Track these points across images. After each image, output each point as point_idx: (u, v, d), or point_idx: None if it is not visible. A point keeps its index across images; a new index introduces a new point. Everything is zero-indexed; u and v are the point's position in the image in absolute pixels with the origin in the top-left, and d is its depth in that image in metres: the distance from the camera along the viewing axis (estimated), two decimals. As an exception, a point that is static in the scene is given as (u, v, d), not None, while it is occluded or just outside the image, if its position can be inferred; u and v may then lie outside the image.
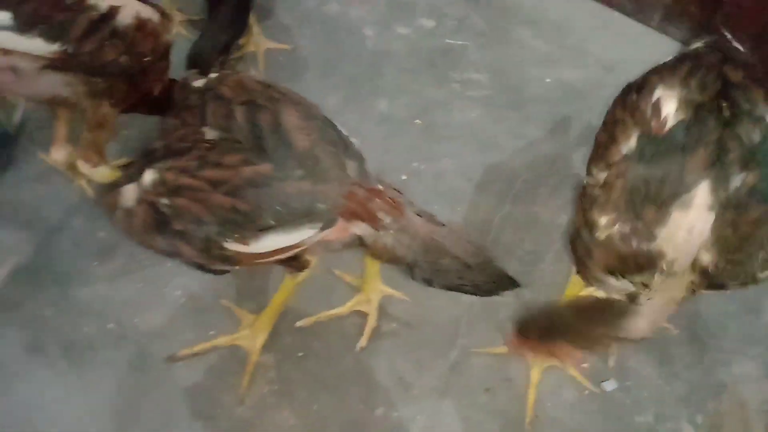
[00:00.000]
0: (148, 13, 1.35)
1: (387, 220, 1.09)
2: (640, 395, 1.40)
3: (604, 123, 1.15)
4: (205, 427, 1.30)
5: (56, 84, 1.30)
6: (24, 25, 1.19)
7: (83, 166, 1.46)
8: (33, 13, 1.20)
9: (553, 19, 2.20)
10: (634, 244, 0.98)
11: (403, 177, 1.74)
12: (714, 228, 0.96)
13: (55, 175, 1.63)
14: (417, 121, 1.87)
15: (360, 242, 1.12)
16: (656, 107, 1.04)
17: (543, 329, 1.14)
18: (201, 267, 1.10)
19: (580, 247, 1.06)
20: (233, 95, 1.08)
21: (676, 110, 1.03)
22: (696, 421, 1.37)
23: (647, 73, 1.14)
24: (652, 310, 1.04)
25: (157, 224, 1.03)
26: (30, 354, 1.38)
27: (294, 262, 1.22)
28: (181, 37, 1.92)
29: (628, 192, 1.00)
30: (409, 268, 1.12)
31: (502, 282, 1.15)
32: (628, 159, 1.03)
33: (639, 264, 0.99)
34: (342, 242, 1.13)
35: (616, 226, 1.00)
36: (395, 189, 1.16)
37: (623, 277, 1.02)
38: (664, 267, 0.98)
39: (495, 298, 1.50)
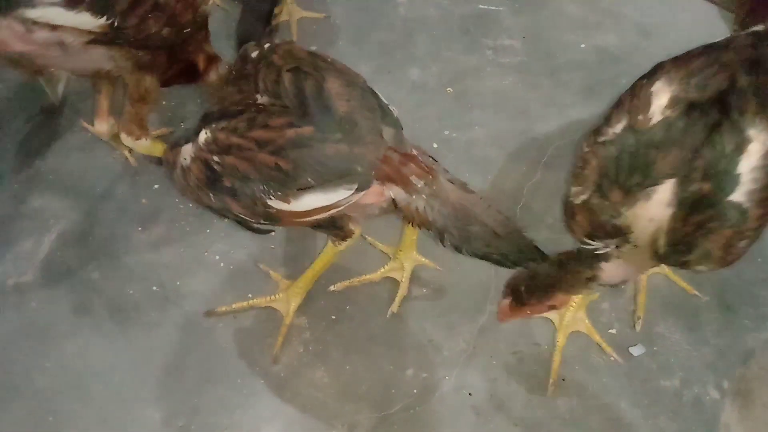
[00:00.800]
0: None
1: (419, 184, 1.12)
2: (666, 360, 1.41)
3: (614, 101, 1.17)
4: (243, 385, 1.37)
5: (101, 58, 1.34)
6: (72, 1, 1.22)
7: (125, 139, 1.51)
8: None
9: (588, -18, 2.16)
10: (603, 216, 1.07)
11: (435, 145, 1.76)
12: (669, 220, 1.02)
13: (98, 145, 1.70)
14: (448, 89, 1.88)
15: (394, 206, 1.14)
16: (647, 100, 1.06)
17: (529, 287, 1.21)
18: (247, 225, 1.17)
19: (568, 208, 1.14)
20: (282, 63, 1.14)
21: (665, 107, 1.04)
22: (722, 387, 1.38)
23: (666, 61, 1.15)
24: (621, 263, 1.13)
25: (209, 181, 1.11)
26: (78, 316, 1.45)
27: (337, 230, 1.26)
28: (216, 8, 1.96)
29: (598, 173, 1.07)
30: (439, 233, 1.14)
31: (529, 253, 1.17)
32: (608, 144, 1.07)
33: (608, 232, 1.08)
34: (378, 207, 1.16)
35: (584, 196, 1.08)
36: (430, 156, 1.17)
37: (600, 240, 1.10)
38: (630, 239, 1.07)
39: (524, 265, 1.54)
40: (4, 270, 1.51)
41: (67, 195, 1.63)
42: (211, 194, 1.12)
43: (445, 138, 1.78)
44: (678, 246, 1.04)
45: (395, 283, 1.50)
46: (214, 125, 1.12)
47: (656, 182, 1.02)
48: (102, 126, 1.57)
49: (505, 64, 1.94)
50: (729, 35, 1.23)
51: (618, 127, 1.08)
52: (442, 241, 1.15)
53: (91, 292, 1.48)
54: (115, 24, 1.27)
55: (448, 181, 1.15)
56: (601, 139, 1.09)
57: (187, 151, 1.14)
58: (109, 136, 1.61)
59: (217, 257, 1.55)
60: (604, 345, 1.41)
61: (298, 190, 1.07)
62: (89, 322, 1.44)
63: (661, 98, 1.05)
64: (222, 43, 1.61)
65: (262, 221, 1.14)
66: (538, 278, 1.20)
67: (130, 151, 1.65)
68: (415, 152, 1.15)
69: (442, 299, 1.50)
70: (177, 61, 1.46)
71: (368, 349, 1.42)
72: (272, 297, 1.45)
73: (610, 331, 1.45)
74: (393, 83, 1.87)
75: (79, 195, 1.63)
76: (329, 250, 1.38)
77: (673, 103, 1.04)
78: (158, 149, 1.59)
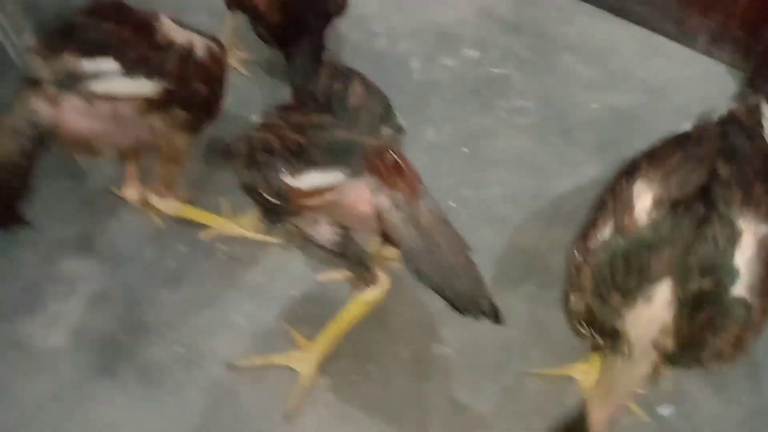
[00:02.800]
0: (212, 44, 1.48)
1: (402, 198, 1.17)
2: (697, 420, 1.40)
3: (597, 200, 1.18)
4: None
5: (144, 127, 1.40)
6: (130, 69, 1.29)
7: (155, 200, 1.57)
8: (135, 57, 1.30)
9: (597, 45, 2.23)
10: (604, 319, 1.07)
11: (451, 203, 1.79)
12: (673, 320, 1.02)
13: (126, 209, 1.75)
14: (464, 148, 1.93)
15: (378, 220, 1.19)
16: (630, 202, 1.07)
17: None
18: (266, 206, 1.25)
19: (570, 316, 1.15)
20: (325, 72, 1.32)
21: (650, 209, 1.05)
22: (753, 447, 1.37)
23: (641, 155, 1.18)
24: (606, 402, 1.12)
25: (249, 156, 1.24)
26: (105, 378, 1.47)
27: (361, 266, 1.32)
28: (236, 73, 2.05)
29: (593, 280, 1.07)
30: (405, 254, 1.18)
31: (482, 304, 1.17)
32: (598, 250, 1.08)
33: (604, 330, 1.08)
34: (361, 215, 1.22)
35: (584, 303, 1.09)
36: (419, 177, 1.22)
37: (593, 332, 1.10)
38: (625, 350, 1.06)
39: (547, 324, 1.54)
40: (34, 332, 1.54)
41: (96, 258, 1.67)
42: (247, 170, 1.24)
43: (461, 196, 1.82)
44: (688, 346, 1.03)
45: (418, 342, 1.52)
46: (269, 113, 1.29)
47: (653, 283, 1.02)
48: (132, 192, 1.63)
49: (519, 124, 2.00)
50: (697, 124, 1.25)
51: (606, 232, 1.08)
52: (406, 263, 1.18)
53: (118, 354, 1.51)
54: (167, 86, 1.35)
55: (427, 208, 1.19)
56: (591, 245, 1.10)
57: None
58: (138, 201, 1.66)
59: (241, 318, 1.57)
60: (632, 405, 1.40)
61: (305, 165, 1.18)
62: (116, 384, 1.46)
63: (643, 200, 1.07)
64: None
65: (275, 199, 1.22)
66: None
67: (158, 213, 1.70)
68: (410, 169, 1.22)
69: (465, 358, 1.50)
70: (208, 117, 1.54)
71: (392, 411, 1.43)
72: (291, 355, 1.47)
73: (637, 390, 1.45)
74: (409, 143, 1.89)
75: (108, 258, 1.68)
76: (353, 305, 1.40)
77: (657, 203, 1.06)
78: (186, 211, 1.65)
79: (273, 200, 1.22)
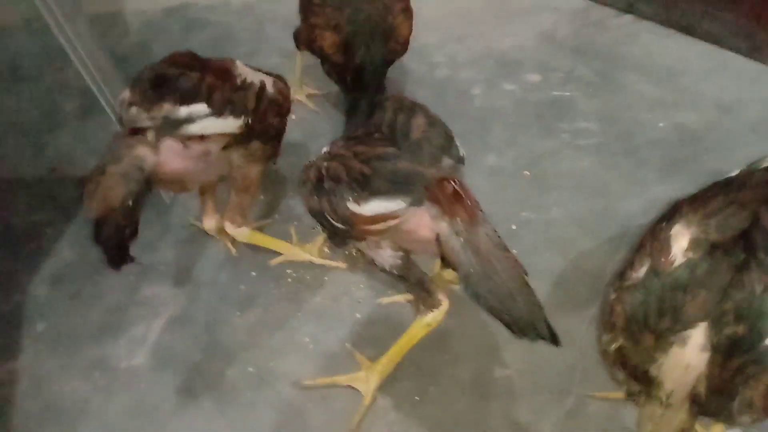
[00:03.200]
0: (278, 81, 1.61)
1: (462, 226, 1.20)
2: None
3: (638, 241, 1.17)
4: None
5: (225, 162, 1.54)
6: (217, 110, 1.42)
7: (229, 227, 1.67)
8: (221, 99, 1.43)
9: (663, 63, 2.20)
10: (637, 362, 1.06)
11: (513, 227, 1.80)
12: (707, 365, 1.00)
13: (203, 238, 1.87)
14: (526, 172, 1.94)
15: (438, 245, 1.22)
16: (668, 243, 1.06)
17: None
18: (331, 230, 1.31)
19: (604, 356, 1.16)
20: (389, 105, 1.38)
21: (686, 249, 1.04)
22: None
23: (681, 200, 1.16)
24: None
25: (316, 184, 1.30)
26: (181, 397, 1.56)
27: (424, 292, 1.37)
28: (305, 107, 2.15)
29: (626, 319, 1.06)
30: (463, 278, 1.19)
31: (539, 327, 1.17)
32: (633, 288, 1.06)
33: (637, 374, 1.07)
34: (425, 240, 1.25)
35: (617, 344, 1.09)
36: (478, 205, 1.24)
37: (627, 376, 1.10)
38: (663, 397, 1.05)
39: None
40: (118, 353, 1.65)
41: (175, 283, 1.79)
42: (315, 196, 1.30)
43: (523, 220, 1.82)
44: (719, 393, 1.00)
45: (479, 364, 1.52)
46: (336, 143, 1.35)
47: (688, 326, 1.00)
48: (210, 222, 1.74)
49: (582, 146, 1.99)
50: (744, 170, 1.22)
51: (641, 271, 1.07)
52: (465, 288, 1.20)
53: (194, 373, 1.60)
54: (249, 122, 1.48)
55: (485, 234, 1.20)
56: (626, 283, 1.09)
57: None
58: (216, 230, 1.77)
59: (307, 339, 1.63)
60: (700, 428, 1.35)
61: (369, 194, 1.23)
62: (192, 402, 1.54)
63: (681, 241, 1.05)
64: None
65: (340, 224, 1.27)
66: None
67: (233, 241, 1.80)
68: (469, 197, 1.23)
69: (527, 380, 1.50)
70: (276, 148, 1.65)
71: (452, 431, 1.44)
72: (354, 375, 1.51)
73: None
74: (471, 169, 1.91)
75: (186, 283, 1.79)
76: (414, 327, 1.43)
77: (694, 245, 1.04)
78: (257, 239, 1.74)
79: (338, 225, 1.28)
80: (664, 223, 1.11)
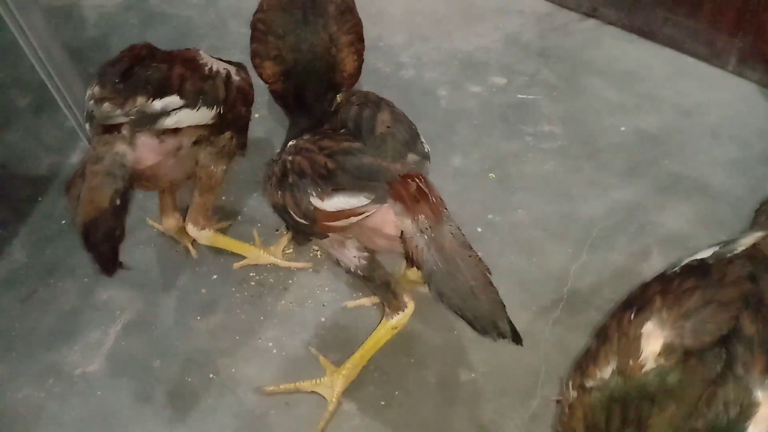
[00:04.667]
0: (240, 70, 1.58)
1: (426, 225, 1.19)
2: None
3: (599, 330, 1.05)
4: (296, 473, 1.38)
5: (197, 156, 1.51)
6: (191, 102, 1.39)
7: (191, 229, 1.62)
8: (192, 88, 1.39)
9: (625, 68, 2.23)
10: None
11: (479, 229, 1.80)
12: None
13: (162, 240, 1.82)
14: (491, 174, 1.94)
15: (402, 243, 1.21)
16: (638, 342, 0.95)
17: None
18: (295, 227, 1.30)
19: None
20: (356, 100, 1.35)
21: (658, 354, 0.93)
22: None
23: (651, 284, 1.04)
24: None
25: (281, 178, 1.29)
26: (140, 403, 1.51)
27: (389, 293, 1.36)
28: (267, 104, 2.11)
29: (586, 426, 0.97)
30: (427, 276, 1.19)
31: (501, 326, 1.17)
32: (595, 390, 0.97)
33: None
34: (386, 237, 1.25)
35: None
36: (443, 203, 1.23)
37: None
38: None
39: (575, 349, 1.53)
40: (73, 359, 1.60)
41: (133, 287, 1.73)
42: (279, 191, 1.29)
43: (488, 222, 1.82)
44: None
45: (444, 367, 1.52)
46: (301, 137, 1.33)
47: None
48: (169, 222, 1.69)
49: (546, 148, 2.00)
50: (717, 251, 1.07)
51: (606, 371, 0.97)
52: (428, 286, 1.19)
53: (153, 380, 1.55)
54: (221, 111, 1.45)
55: (450, 232, 1.20)
56: (589, 383, 0.98)
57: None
58: (176, 231, 1.72)
59: (270, 344, 1.60)
60: None
61: (332, 189, 1.21)
62: (150, 409, 1.50)
63: (653, 343, 0.95)
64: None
65: (303, 219, 1.26)
66: None
67: (193, 243, 1.76)
68: (434, 195, 1.23)
69: (491, 383, 1.50)
70: (245, 137, 1.63)
71: (418, 436, 1.43)
72: (317, 381, 1.49)
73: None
74: (436, 171, 1.89)
75: (144, 287, 1.73)
76: (379, 330, 1.42)
77: (667, 350, 0.93)
78: (220, 241, 1.70)
79: (301, 221, 1.27)
80: (632, 314, 1.00)
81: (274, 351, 1.59)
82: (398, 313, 1.40)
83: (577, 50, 2.31)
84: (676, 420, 0.89)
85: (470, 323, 1.17)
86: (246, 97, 1.57)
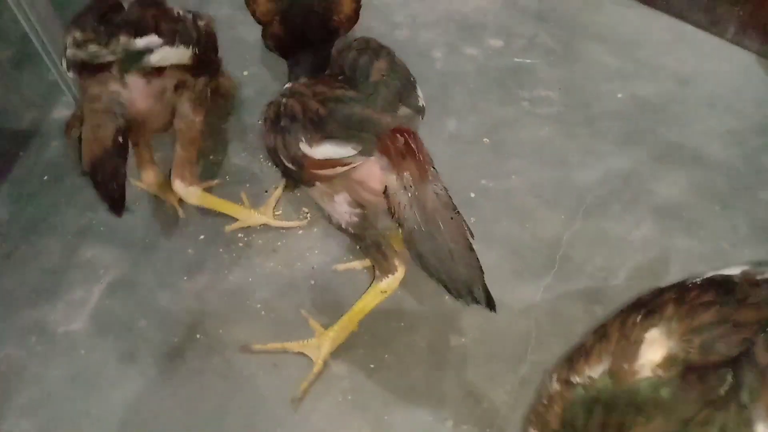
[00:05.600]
0: (197, 16, 1.54)
1: (410, 179, 1.16)
2: None
3: (599, 326, 0.98)
4: (283, 434, 1.37)
5: (176, 106, 1.50)
6: (169, 39, 1.38)
7: (178, 186, 1.58)
8: (168, 29, 1.39)
9: (624, 34, 2.19)
10: None
11: (472, 194, 1.77)
12: None
13: (147, 199, 1.77)
14: (485, 139, 1.90)
15: (386, 199, 1.19)
16: (638, 347, 0.87)
17: None
18: (284, 171, 1.28)
19: None
20: (356, 45, 1.31)
21: (657, 365, 0.85)
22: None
23: (670, 292, 0.95)
24: None
25: (274, 121, 1.26)
26: (124, 363, 1.49)
27: (379, 254, 1.34)
28: (256, 63, 2.05)
29: (561, 419, 0.91)
30: (407, 235, 1.17)
31: (475, 292, 1.15)
32: (579, 387, 0.89)
33: None
34: (371, 191, 1.23)
35: None
36: (430, 161, 1.20)
37: None
38: None
39: (566, 316, 1.52)
40: (55, 318, 1.56)
41: (117, 246, 1.69)
42: (272, 135, 1.26)
43: (482, 187, 1.79)
44: None
45: (435, 332, 1.50)
46: (298, 81, 1.30)
47: None
48: (148, 175, 1.65)
49: (542, 114, 1.97)
50: (746, 270, 0.96)
51: (597, 370, 0.89)
52: (408, 245, 1.17)
53: (138, 340, 1.52)
54: (196, 51, 1.44)
55: (434, 192, 1.17)
56: (575, 379, 0.91)
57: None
58: (157, 186, 1.67)
59: (259, 306, 1.58)
60: None
61: (321, 137, 1.19)
62: (135, 369, 1.47)
63: (654, 352, 0.87)
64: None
65: (292, 164, 1.24)
66: None
67: (180, 202, 1.71)
68: (422, 152, 1.19)
69: (482, 348, 1.49)
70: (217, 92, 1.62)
71: (407, 400, 1.41)
72: (305, 342, 1.47)
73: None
74: (430, 134, 1.87)
75: (129, 246, 1.69)
76: (369, 294, 1.40)
77: (668, 362, 0.85)
78: (209, 201, 1.66)
79: (290, 165, 1.24)
80: (639, 316, 0.92)
81: (263, 313, 1.57)
82: (388, 277, 1.38)
83: (576, 14, 2.26)
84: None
85: (444, 286, 1.16)
86: (214, 43, 1.56)
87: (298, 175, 1.26)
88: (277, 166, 1.29)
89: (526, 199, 1.77)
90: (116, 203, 1.33)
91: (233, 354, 1.49)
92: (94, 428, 1.39)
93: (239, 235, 1.71)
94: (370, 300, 1.42)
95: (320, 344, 1.46)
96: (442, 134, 1.92)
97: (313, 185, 1.28)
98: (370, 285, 1.42)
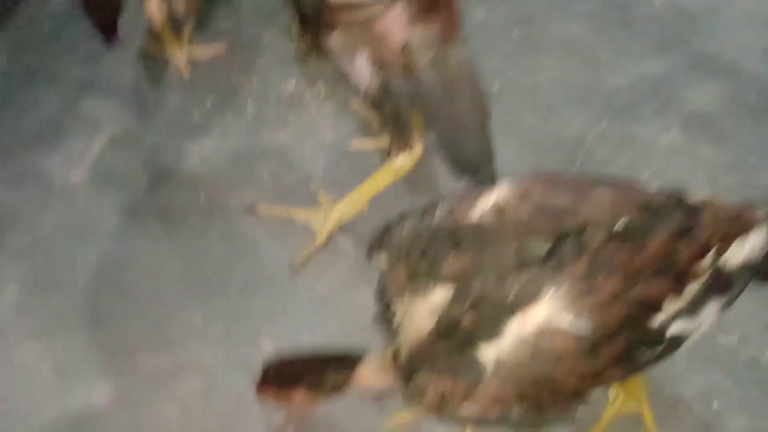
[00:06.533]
0: None
1: (435, 37, 1.07)
2: (726, 316, 1.33)
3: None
4: (285, 298, 1.33)
5: None
6: None
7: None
8: None
9: (669, -62, 2.06)
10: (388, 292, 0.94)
11: (496, 86, 1.69)
12: (427, 332, 0.86)
13: (153, 59, 1.67)
14: (515, 30, 1.80)
15: (403, 54, 1.09)
16: (489, 197, 0.88)
17: (278, 371, 1.00)
18: (301, 15, 1.18)
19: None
20: None
21: (491, 208, 0.86)
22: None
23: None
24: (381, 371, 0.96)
25: None
26: (124, 218, 1.43)
27: (400, 126, 1.24)
28: None
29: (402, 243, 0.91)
30: (423, 98, 1.10)
31: (483, 171, 1.09)
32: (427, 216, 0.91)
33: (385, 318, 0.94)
34: (391, 45, 1.12)
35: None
36: (461, 24, 1.13)
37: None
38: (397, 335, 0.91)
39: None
40: (53, 167, 1.49)
41: (121, 102, 1.61)
42: None
43: (507, 80, 1.71)
44: (412, 366, 0.87)
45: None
46: None
47: (438, 282, 0.85)
48: (151, 6, 1.52)
49: (577, 10, 1.86)
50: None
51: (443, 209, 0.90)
52: (421, 108, 1.11)
53: (139, 197, 1.46)
54: None
55: (459, 56, 1.10)
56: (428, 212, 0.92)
57: None
58: (161, 24, 1.56)
59: (266, 175, 1.51)
60: None
61: None
62: (136, 223, 1.42)
63: (493, 198, 0.88)
64: None
65: (308, 7, 1.14)
66: (282, 367, 1.00)
67: (187, 60, 1.62)
68: (455, 8, 1.12)
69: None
70: None
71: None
72: (312, 212, 1.41)
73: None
74: (458, 21, 1.80)
75: (132, 104, 1.61)
76: (381, 172, 1.34)
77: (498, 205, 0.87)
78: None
79: (306, 8, 1.15)
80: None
81: (270, 183, 1.50)
82: (404, 153, 1.30)
83: None
84: (465, 270, 0.83)
85: (450, 159, 1.09)
86: None
87: (315, 21, 1.15)
88: (293, 11, 1.19)
89: (552, 96, 1.69)
90: (106, 32, 1.27)
91: (238, 219, 1.44)
92: (89, 278, 1.35)
93: (249, 100, 1.62)
94: (383, 178, 1.36)
95: (327, 217, 1.40)
96: (471, 21, 1.81)
97: (333, 29, 1.17)
98: (385, 164, 1.35)
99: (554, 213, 0.83)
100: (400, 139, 1.29)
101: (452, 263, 0.84)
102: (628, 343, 0.81)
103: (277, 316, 1.30)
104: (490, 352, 0.81)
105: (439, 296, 0.84)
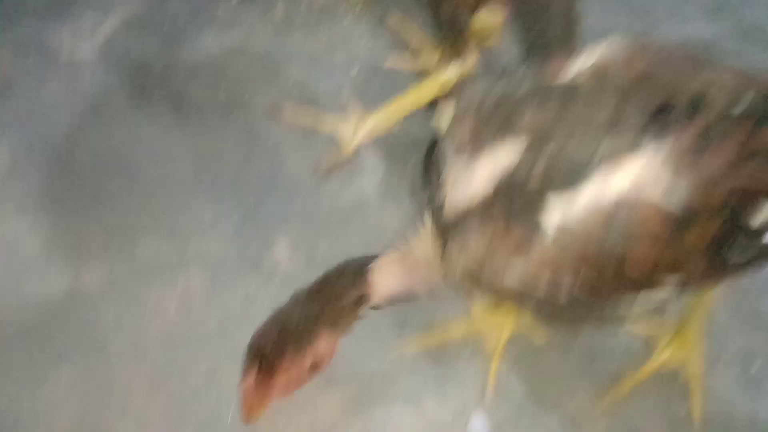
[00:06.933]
0: None
1: None
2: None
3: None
4: (299, 201, 1.23)
5: None
6: None
7: None
8: None
9: None
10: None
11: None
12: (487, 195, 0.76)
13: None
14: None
15: None
16: (594, 52, 0.77)
17: (278, 342, 0.81)
18: None
19: None
20: None
21: (584, 69, 0.76)
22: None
23: None
24: (397, 268, 0.86)
25: None
26: (133, 103, 1.30)
27: (450, 31, 1.14)
28: None
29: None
30: None
31: (569, 41, 1.04)
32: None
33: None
34: None
35: None
36: None
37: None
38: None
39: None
40: (59, 41, 1.35)
41: (138, -16, 1.47)
42: None
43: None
44: (455, 226, 0.76)
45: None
46: None
47: (509, 135, 0.74)
48: None
49: (632, -39, 1.77)
50: None
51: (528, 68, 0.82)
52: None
53: (152, 84, 1.33)
54: None
55: None
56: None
57: None
58: None
59: (291, 83, 1.39)
60: None
61: None
62: (145, 111, 1.29)
63: (589, 59, 0.78)
64: None
65: None
66: (289, 325, 0.82)
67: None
68: None
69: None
70: None
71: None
72: (341, 119, 1.30)
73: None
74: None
75: (148, -11, 1.47)
76: (428, 82, 1.23)
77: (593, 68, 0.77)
78: None
79: None
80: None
81: (295, 91, 1.38)
82: (454, 64, 1.19)
83: None
84: (541, 122, 0.72)
85: (528, 30, 1.03)
86: None
87: None
88: None
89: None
90: None
91: (258, 120, 1.31)
92: (91, 158, 1.23)
93: (279, 4, 1.49)
94: (427, 90, 1.25)
95: (357, 127, 1.29)
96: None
97: None
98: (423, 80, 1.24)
99: (663, 83, 0.72)
100: (453, 46, 1.18)
101: (532, 115, 0.73)
102: (721, 234, 0.70)
103: (295, 221, 1.18)
104: (555, 217, 0.69)
105: (507, 152, 0.72)
